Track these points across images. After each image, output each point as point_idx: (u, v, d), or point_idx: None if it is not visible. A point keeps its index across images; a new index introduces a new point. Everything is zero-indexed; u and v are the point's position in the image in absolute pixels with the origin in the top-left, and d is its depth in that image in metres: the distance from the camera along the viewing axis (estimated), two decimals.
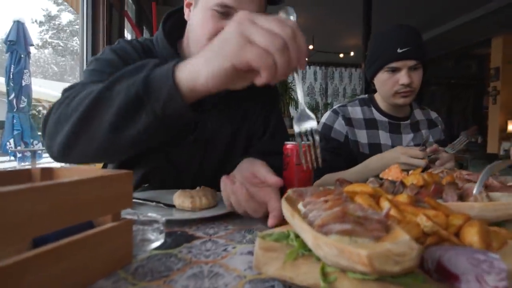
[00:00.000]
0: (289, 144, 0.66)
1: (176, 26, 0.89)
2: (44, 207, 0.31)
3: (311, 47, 5.98)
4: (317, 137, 0.55)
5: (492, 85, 5.78)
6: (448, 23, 5.71)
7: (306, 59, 0.51)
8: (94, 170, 0.44)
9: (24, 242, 0.35)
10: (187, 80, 0.49)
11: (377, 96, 1.26)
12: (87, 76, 0.75)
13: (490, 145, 5.83)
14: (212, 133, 0.90)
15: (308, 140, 0.60)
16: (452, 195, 0.44)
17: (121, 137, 0.53)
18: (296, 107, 7.97)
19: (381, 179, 0.71)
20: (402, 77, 1.08)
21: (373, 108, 1.25)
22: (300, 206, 0.43)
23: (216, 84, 0.48)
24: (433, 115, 1.33)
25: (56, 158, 0.62)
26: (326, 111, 6.55)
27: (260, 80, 0.46)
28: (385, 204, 0.40)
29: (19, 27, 5.42)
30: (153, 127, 0.52)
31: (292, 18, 0.56)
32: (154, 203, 0.73)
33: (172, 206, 0.71)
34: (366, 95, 1.30)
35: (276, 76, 0.45)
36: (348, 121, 1.21)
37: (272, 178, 0.59)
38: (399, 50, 1.07)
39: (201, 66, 0.48)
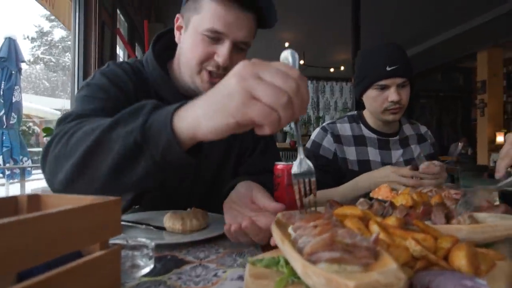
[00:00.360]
0: (280, 165, 0.66)
1: (166, 47, 0.90)
2: (30, 240, 0.31)
3: (302, 62, 6.07)
4: (314, 187, 0.53)
5: (480, 98, 5.91)
6: (435, 38, 5.87)
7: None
8: (82, 198, 0.44)
9: (9, 277, 0.34)
10: (187, 130, 0.48)
11: (365, 113, 1.28)
12: (80, 103, 0.75)
13: (480, 156, 5.91)
14: (204, 153, 0.90)
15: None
16: (440, 217, 0.44)
17: (121, 181, 0.53)
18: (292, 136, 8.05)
19: (371, 198, 0.72)
20: (392, 94, 1.10)
21: (361, 125, 1.26)
22: (290, 230, 0.43)
23: (218, 136, 0.47)
24: (423, 129, 1.35)
25: (58, 191, 0.61)
26: (318, 124, 6.58)
27: (262, 132, 0.45)
28: (375, 228, 0.40)
29: (10, 44, 5.41)
30: (153, 172, 0.51)
31: (292, 60, 0.56)
32: (144, 226, 0.72)
33: (162, 228, 0.71)
34: (355, 112, 1.32)
35: (279, 128, 0.45)
36: (337, 138, 1.22)
37: (272, 205, 0.59)
38: (388, 68, 1.09)
39: (202, 119, 0.46)
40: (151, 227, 0.71)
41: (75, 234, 0.36)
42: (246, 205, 0.64)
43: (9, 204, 0.45)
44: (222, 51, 0.77)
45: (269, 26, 0.84)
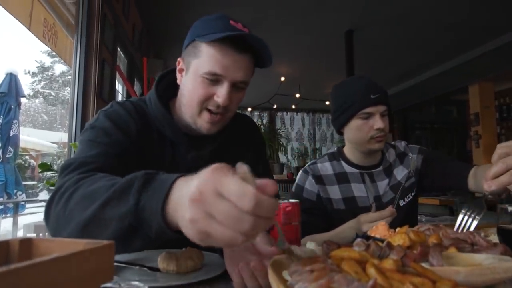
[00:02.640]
0: (283, 203, 0.66)
1: (168, 87, 0.95)
2: None
3: (297, 95, 6.20)
4: None
5: (474, 130, 5.99)
6: (428, 71, 6.06)
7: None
8: (75, 242, 0.43)
9: None
10: (176, 221, 0.45)
11: (346, 149, 1.27)
12: (83, 148, 0.77)
13: None
14: None
15: None
16: (438, 258, 0.44)
17: (120, 250, 0.57)
18: (286, 152, 8.08)
19: (369, 237, 0.71)
20: (377, 122, 1.11)
21: (342, 162, 1.25)
22: (286, 274, 0.42)
23: None
24: (401, 146, 1.31)
25: None
26: (315, 156, 6.59)
27: None
28: (372, 272, 0.40)
29: (11, 79, 5.50)
30: (149, 245, 0.54)
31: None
32: (137, 267, 0.70)
33: (156, 269, 0.69)
34: (335, 149, 1.31)
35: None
36: (319, 179, 1.21)
37: (267, 250, 0.56)
38: (372, 96, 1.11)
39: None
40: (145, 268, 0.69)
41: (67, 282, 0.35)
42: (246, 247, 0.61)
43: (0, 249, 0.44)
44: (221, 92, 0.82)
45: (265, 66, 0.89)
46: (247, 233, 0.37)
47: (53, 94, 21.67)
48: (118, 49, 3.02)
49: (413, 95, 6.80)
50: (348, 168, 1.23)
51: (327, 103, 6.87)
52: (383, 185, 1.20)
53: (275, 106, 7.17)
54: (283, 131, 7.99)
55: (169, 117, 0.89)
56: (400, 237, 0.52)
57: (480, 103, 5.83)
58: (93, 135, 0.79)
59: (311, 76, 6.21)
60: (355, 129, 1.16)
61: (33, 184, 10.57)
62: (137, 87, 3.99)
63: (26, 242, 0.45)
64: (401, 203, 1.18)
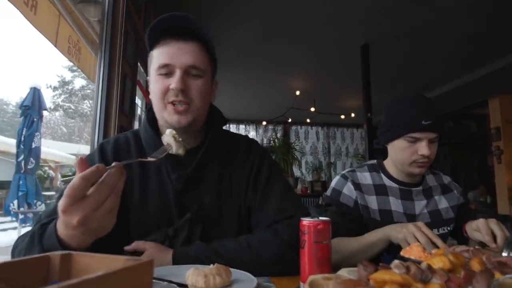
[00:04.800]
0: (305, 220, 0.65)
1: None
2: None
3: (312, 109, 6.19)
4: None
5: (495, 145, 5.83)
6: (446, 85, 5.96)
7: None
8: (113, 258, 0.44)
9: None
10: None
11: (386, 163, 1.26)
12: (53, 204, 0.86)
13: (500, 205, 5.69)
14: (210, 209, 0.90)
15: None
16: (484, 285, 0.42)
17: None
18: (300, 166, 8.02)
19: (402, 257, 0.69)
20: (423, 148, 1.09)
21: (382, 174, 1.24)
22: None
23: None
24: (446, 179, 1.31)
25: None
26: (330, 170, 6.49)
27: None
28: None
29: (35, 93, 5.70)
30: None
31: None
32: (165, 283, 0.70)
33: (184, 286, 0.68)
34: (375, 161, 1.30)
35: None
36: (357, 186, 1.20)
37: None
38: (423, 122, 1.08)
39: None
40: (174, 284, 0.69)
41: None
42: None
43: (42, 263, 0.45)
44: (174, 79, 0.84)
45: (209, 45, 0.91)
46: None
47: (72, 107, 22.30)
48: (139, 64, 3.10)
49: None
50: (387, 182, 1.22)
51: (342, 117, 6.84)
52: (420, 205, 1.19)
53: (289, 120, 7.17)
54: (297, 145, 7.97)
55: (156, 139, 0.90)
56: (439, 260, 0.50)
57: (501, 117, 5.70)
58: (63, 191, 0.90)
59: (326, 90, 6.20)
60: (399, 149, 1.14)
61: (52, 195, 10.79)
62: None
63: (66, 257, 0.46)
64: (435, 231, 1.16)
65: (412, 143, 1.11)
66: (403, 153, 1.13)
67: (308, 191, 6.65)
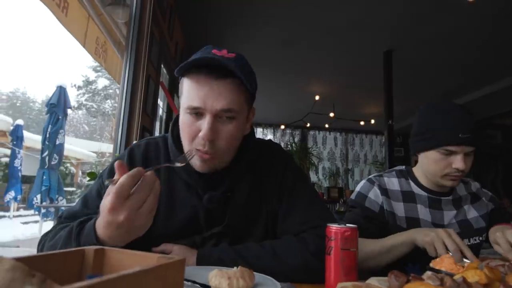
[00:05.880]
0: (333, 227, 0.64)
1: None
2: None
3: (331, 114, 6.14)
4: None
5: None
6: (470, 94, 5.80)
7: None
8: (145, 255, 0.44)
9: None
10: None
11: (416, 170, 1.22)
12: (79, 201, 0.89)
13: None
14: (239, 223, 0.90)
15: None
16: None
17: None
18: (317, 172, 7.96)
19: (433, 269, 0.67)
20: (458, 162, 1.04)
21: (410, 181, 1.21)
22: None
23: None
24: (475, 187, 1.26)
25: None
26: (347, 176, 6.37)
27: None
28: None
29: (61, 92, 5.90)
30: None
31: None
32: (190, 283, 0.70)
33: (207, 286, 0.69)
34: (404, 167, 1.27)
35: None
36: (384, 191, 1.17)
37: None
38: (461, 135, 1.03)
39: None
40: (197, 285, 0.69)
41: None
42: None
43: (77, 256, 0.46)
44: (203, 125, 0.77)
45: (252, 89, 0.83)
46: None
47: (95, 106, 22.91)
48: (162, 66, 3.16)
49: None
50: (416, 189, 1.18)
51: (362, 123, 6.75)
52: (449, 215, 1.14)
53: (308, 125, 7.13)
54: (314, 150, 7.91)
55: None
56: (474, 273, 0.49)
57: None
58: (89, 191, 0.90)
59: (346, 96, 6.14)
60: (432, 160, 1.10)
61: (72, 191, 11.09)
62: (177, 102, 4.12)
63: (100, 252, 0.47)
64: (466, 242, 1.11)
65: (446, 155, 1.06)
66: (436, 165, 1.09)
67: (325, 197, 6.59)
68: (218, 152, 0.81)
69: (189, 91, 0.78)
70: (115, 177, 0.60)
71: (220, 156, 0.82)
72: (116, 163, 0.60)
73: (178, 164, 0.74)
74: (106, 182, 0.61)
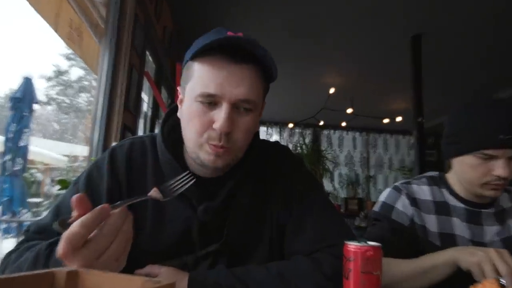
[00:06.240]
0: (351, 245, 0.64)
1: (176, 125, 0.92)
2: None
3: (350, 110, 6.14)
4: None
5: None
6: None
7: None
8: (128, 279, 0.45)
9: None
10: None
11: (451, 177, 1.22)
12: (49, 213, 0.89)
13: None
14: (239, 239, 0.90)
15: None
16: None
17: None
18: (332, 179, 7.94)
19: None
20: (499, 168, 1.03)
21: (444, 190, 1.20)
22: None
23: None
24: None
25: None
26: (368, 185, 6.37)
27: None
28: None
29: (27, 84, 5.91)
30: None
31: None
32: None
33: None
34: (436, 173, 1.26)
35: None
36: (414, 201, 1.17)
37: None
38: (501, 136, 1.02)
39: None
40: None
41: None
42: None
43: (46, 279, 0.46)
44: (219, 116, 0.77)
45: (271, 79, 0.85)
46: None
47: (67, 101, 23.01)
48: (147, 53, 3.17)
49: None
50: (451, 200, 1.18)
51: (386, 121, 6.74)
52: (491, 231, 1.14)
53: (321, 123, 7.14)
54: (329, 153, 7.91)
55: (174, 164, 0.86)
56: None
57: None
58: (61, 200, 0.89)
59: (367, 88, 6.14)
60: (468, 167, 1.09)
61: (39, 202, 11.12)
62: (164, 95, 4.14)
63: (73, 275, 0.47)
64: None
65: (485, 160, 1.05)
66: (473, 172, 1.08)
67: (342, 210, 6.58)
68: (234, 147, 0.81)
69: (202, 77, 0.78)
70: (72, 213, 0.58)
71: (236, 150, 0.83)
72: (73, 198, 0.58)
73: (155, 196, 0.72)
74: (54, 226, 0.59)
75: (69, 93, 22.57)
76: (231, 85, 0.77)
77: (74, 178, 1.08)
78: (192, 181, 0.77)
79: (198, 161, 0.83)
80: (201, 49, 0.76)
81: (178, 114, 0.88)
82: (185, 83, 0.84)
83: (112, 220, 0.58)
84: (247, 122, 0.81)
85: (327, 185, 7.87)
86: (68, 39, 2.69)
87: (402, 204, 1.17)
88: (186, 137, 0.85)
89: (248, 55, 0.77)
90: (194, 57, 0.80)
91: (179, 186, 0.75)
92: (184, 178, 0.77)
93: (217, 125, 0.76)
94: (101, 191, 0.87)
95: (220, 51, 0.77)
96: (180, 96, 0.88)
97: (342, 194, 7.97)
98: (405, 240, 1.11)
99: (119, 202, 0.62)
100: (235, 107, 0.79)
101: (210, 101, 0.78)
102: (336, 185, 8.17)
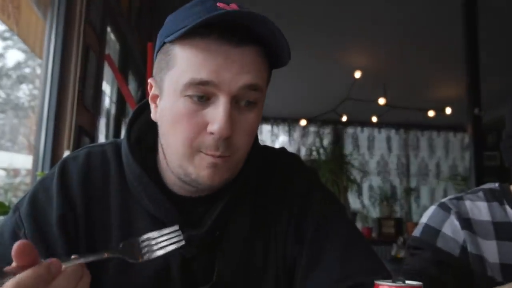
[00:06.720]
0: (385, 285, 0.64)
1: (149, 127, 0.92)
2: None
3: (382, 101, 6.14)
4: None
5: None
6: None
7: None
8: None
9: None
10: None
11: None
12: None
13: None
14: (233, 280, 0.89)
15: None
16: None
17: None
18: (360, 193, 7.93)
19: None
20: None
21: (508, 207, 1.21)
22: None
23: None
24: None
25: None
26: (409, 200, 6.39)
27: None
28: None
29: None
30: None
31: None
32: None
33: None
34: (496, 184, 1.27)
35: None
36: (467, 223, 1.17)
37: None
38: None
39: None
40: None
41: None
42: None
43: None
44: (215, 114, 0.75)
45: (281, 63, 0.84)
46: None
47: (2, 95, 23.09)
48: (109, 30, 3.18)
49: None
50: None
51: (431, 114, 6.75)
52: None
53: (344, 118, 7.16)
54: (355, 159, 7.91)
55: (147, 182, 0.84)
56: None
57: None
58: (7, 226, 0.86)
59: (404, 71, 6.15)
60: None
61: None
62: (132, 86, 4.14)
63: None
64: None
65: None
66: None
67: (374, 235, 6.57)
68: (235, 155, 0.81)
69: (189, 63, 0.76)
70: (13, 264, 0.58)
71: (236, 160, 0.82)
72: (15, 247, 0.57)
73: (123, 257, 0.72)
74: None
75: (5, 84, 22.63)
76: (231, 71, 0.75)
77: (15, 200, 1.07)
78: (181, 244, 0.76)
79: (186, 179, 0.81)
80: (187, 31, 0.73)
81: (153, 116, 0.86)
82: (162, 73, 0.81)
83: (62, 281, 0.59)
84: (251, 121, 0.81)
85: (353, 202, 7.88)
86: (1, 12, 2.70)
87: (451, 228, 1.17)
88: (169, 147, 0.83)
89: (250, 34, 0.76)
90: (176, 38, 0.77)
91: (158, 245, 0.74)
92: (169, 234, 0.76)
93: (214, 127, 0.74)
94: (50, 220, 0.84)
95: (212, 30, 0.74)
96: (153, 92, 0.86)
97: (374, 213, 7.98)
98: (454, 276, 1.12)
99: (73, 257, 0.62)
100: (235, 101, 0.78)
101: (202, 94, 0.75)
102: (366, 201, 8.18)
